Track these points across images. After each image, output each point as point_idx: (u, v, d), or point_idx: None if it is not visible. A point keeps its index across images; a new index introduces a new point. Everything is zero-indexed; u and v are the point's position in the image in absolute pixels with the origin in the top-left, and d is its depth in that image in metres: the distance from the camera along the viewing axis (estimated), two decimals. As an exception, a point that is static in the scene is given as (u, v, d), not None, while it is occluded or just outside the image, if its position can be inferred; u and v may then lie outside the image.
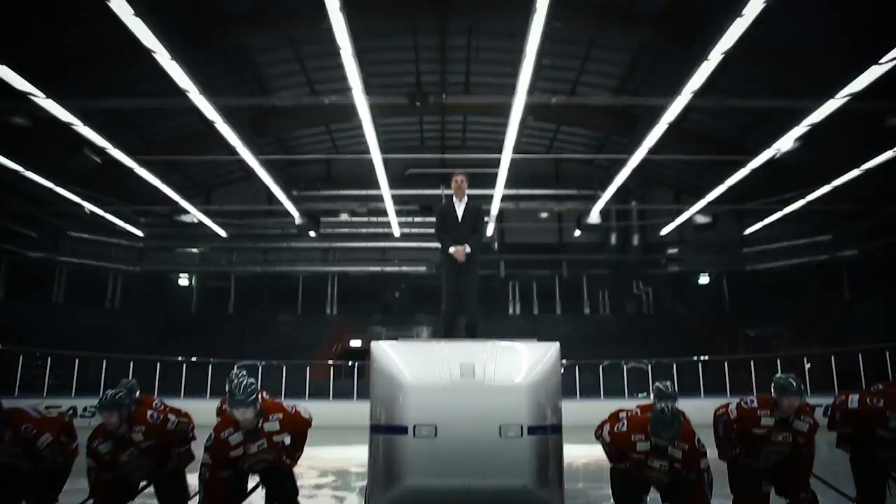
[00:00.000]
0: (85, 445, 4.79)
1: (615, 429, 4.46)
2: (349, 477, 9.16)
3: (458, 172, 6.15)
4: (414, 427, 4.38)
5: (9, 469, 4.77)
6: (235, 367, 6.21)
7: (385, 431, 4.51)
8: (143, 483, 4.81)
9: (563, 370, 18.52)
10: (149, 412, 4.70)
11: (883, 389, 4.77)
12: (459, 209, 5.98)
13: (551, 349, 4.79)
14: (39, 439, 4.63)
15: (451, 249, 5.85)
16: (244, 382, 4.29)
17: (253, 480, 4.70)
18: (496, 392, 4.49)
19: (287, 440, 4.40)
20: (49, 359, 18.86)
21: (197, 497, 4.71)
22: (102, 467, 4.49)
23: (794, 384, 4.41)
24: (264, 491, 4.62)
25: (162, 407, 5.28)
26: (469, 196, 6.11)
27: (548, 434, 4.49)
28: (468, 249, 5.86)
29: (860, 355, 18.19)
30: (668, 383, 5.46)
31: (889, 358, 17.49)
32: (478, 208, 6.11)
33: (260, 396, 4.40)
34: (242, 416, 4.24)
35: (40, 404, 17.41)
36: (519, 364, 4.64)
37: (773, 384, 4.51)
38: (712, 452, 4.74)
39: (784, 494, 4.61)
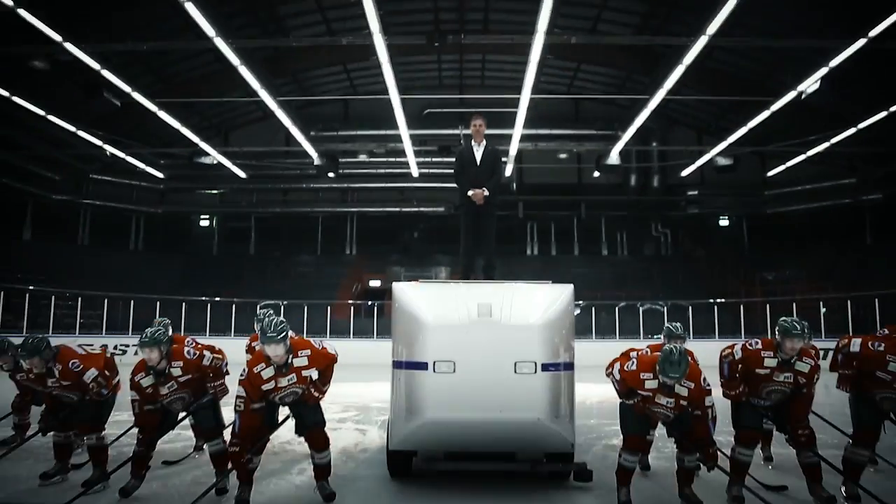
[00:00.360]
0: (126, 381, 5.12)
1: (625, 367, 4.65)
2: (370, 411, 9.56)
3: (476, 116, 6.18)
4: (434, 363, 4.63)
5: (59, 401, 5.15)
6: (259, 307, 6.48)
7: (407, 367, 4.77)
8: (181, 414, 5.14)
9: (579, 311, 18.77)
10: (186, 349, 4.99)
11: (887, 334, 4.89)
12: (478, 153, 6.05)
13: (565, 291, 4.97)
14: (86, 374, 4.97)
15: (470, 193, 5.96)
16: (275, 321, 4.53)
17: (283, 413, 4.98)
18: (512, 331, 4.70)
19: (315, 374, 4.66)
20: (80, 299, 19.43)
21: (231, 426, 5.04)
22: (145, 400, 4.81)
23: (798, 327, 4.55)
24: (294, 422, 4.92)
25: (194, 344, 5.59)
26: (487, 139, 6.16)
27: (560, 371, 4.72)
28: (486, 193, 5.96)
29: (876, 300, 18.23)
30: (679, 324, 5.62)
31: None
32: (496, 152, 6.18)
33: (289, 334, 4.64)
34: (274, 352, 4.47)
35: (73, 342, 18.25)
36: (534, 305, 4.82)
37: (777, 327, 4.65)
38: (718, 391, 4.93)
39: (784, 431, 4.81)
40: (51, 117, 17.43)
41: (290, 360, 4.57)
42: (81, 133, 19.23)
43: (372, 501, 4.73)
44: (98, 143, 20.24)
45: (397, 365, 4.88)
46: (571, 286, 5.00)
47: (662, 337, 5.57)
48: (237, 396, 4.56)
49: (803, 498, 4.75)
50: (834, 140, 19.80)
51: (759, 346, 4.72)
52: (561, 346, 4.77)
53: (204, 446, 5.52)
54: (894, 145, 20.40)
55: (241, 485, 4.57)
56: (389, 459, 5.21)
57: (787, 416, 4.73)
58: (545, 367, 4.60)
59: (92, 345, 16.63)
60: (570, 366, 4.82)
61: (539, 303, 4.84)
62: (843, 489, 4.78)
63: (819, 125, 19.65)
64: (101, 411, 5.23)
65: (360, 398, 10.95)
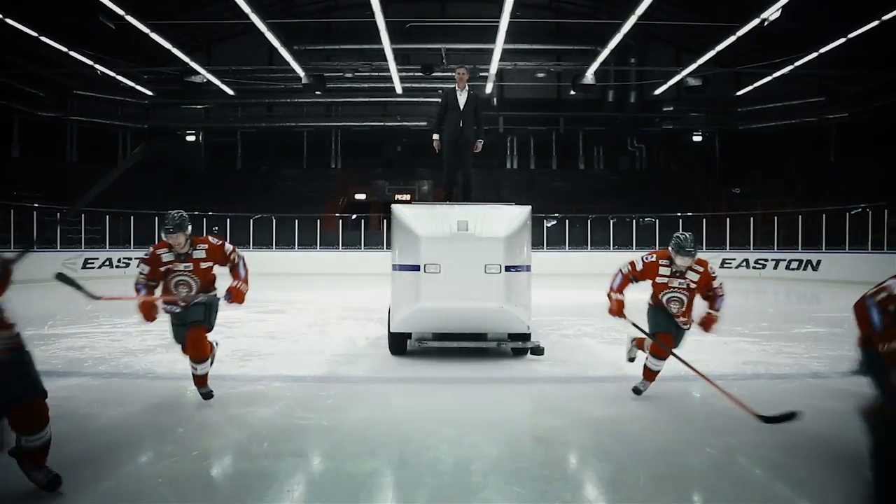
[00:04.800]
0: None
1: (645, 259, 5.08)
2: (366, 311, 11.02)
3: (459, 66, 7.32)
4: (424, 265, 6.10)
5: None
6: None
7: (404, 269, 6.24)
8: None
9: (555, 222, 20.30)
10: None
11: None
12: (461, 98, 7.24)
13: (525, 210, 6.39)
14: None
15: (478, 149, 7.34)
16: (174, 213, 4.76)
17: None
18: (483, 241, 6.14)
19: (209, 265, 4.91)
20: (83, 216, 20.42)
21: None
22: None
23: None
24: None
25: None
26: (469, 85, 7.34)
27: (520, 271, 6.21)
28: (482, 142, 7.33)
29: (824, 216, 19.89)
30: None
31: (848, 218, 19.14)
32: (477, 98, 7.37)
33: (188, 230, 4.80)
34: (174, 240, 4.75)
35: (80, 257, 19.38)
36: (500, 221, 6.25)
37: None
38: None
39: None
40: (44, 38, 17.78)
41: (190, 252, 4.86)
42: (73, 53, 19.53)
43: (378, 370, 6.24)
44: (89, 62, 20.57)
45: (396, 267, 6.34)
46: (529, 207, 6.40)
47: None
48: (139, 273, 4.86)
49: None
50: (798, 63, 20.75)
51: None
52: (520, 253, 6.25)
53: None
54: (860, 67, 21.48)
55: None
56: (390, 340, 6.71)
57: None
58: (507, 269, 6.09)
59: (97, 258, 17.82)
60: (527, 268, 6.30)
61: (503, 220, 6.27)
62: None
63: (789, 47, 20.53)
64: None
65: (356, 301, 12.52)
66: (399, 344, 6.67)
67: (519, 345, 6.53)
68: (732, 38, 18.59)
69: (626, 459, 3.70)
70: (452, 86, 7.36)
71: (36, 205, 19.60)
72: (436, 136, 7.40)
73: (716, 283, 5.03)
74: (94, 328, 8.75)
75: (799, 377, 5.84)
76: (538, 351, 6.49)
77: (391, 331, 6.50)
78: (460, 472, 3.47)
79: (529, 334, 6.48)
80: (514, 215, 6.30)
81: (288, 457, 3.73)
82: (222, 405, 4.79)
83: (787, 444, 3.90)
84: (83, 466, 3.48)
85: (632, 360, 5.55)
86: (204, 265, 4.92)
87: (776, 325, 9.93)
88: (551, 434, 4.28)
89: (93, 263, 20.10)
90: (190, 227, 4.83)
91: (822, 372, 6.07)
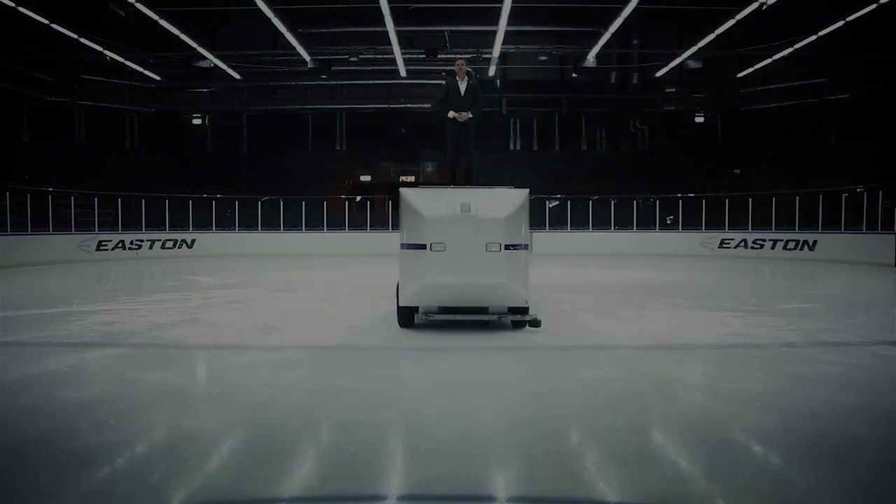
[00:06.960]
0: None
1: None
2: (374, 289, 11.53)
3: (458, 58, 7.77)
4: (430, 244, 6.62)
5: None
6: None
7: (411, 248, 6.75)
8: None
9: (557, 203, 20.94)
10: None
11: None
12: (462, 86, 7.70)
13: (523, 193, 6.88)
14: None
15: (451, 114, 7.69)
16: None
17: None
18: (485, 222, 6.64)
19: None
20: (96, 199, 20.95)
21: None
22: None
23: None
24: None
25: None
26: (469, 74, 7.79)
27: (518, 250, 6.72)
28: (470, 115, 7.71)
29: (820, 196, 20.28)
30: None
31: (844, 200, 19.51)
32: (477, 85, 7.82)
33: None
34: None
35: (94, 239, 19.94)
36: (500, 204, 6.74)
37: None
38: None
39: None
40: (55, 26, 18.17)
41: None
42: (83, 40, 19.89)
43: (388, 340, 6.78)
44: (98, 48, 20.94)
45: (404, 246, 6.86)
46: (527, 190, 6.90)
47: None
48: None
49: None
50: (799, 45, 20.96)
51: None
52: (519, 233, 6.75)
53: None
54: (861, 49, 21.70)
55: None
56: (399, 313, 7.23)
57: None
58: (507, 247, 6.61)
59: (110, 240, 18.45)
60: (525, 246, 6.81)
61: (504, 202, 6.77)
62: None
63: (790, 29, 20.73)
64: None
65: (364, 280, 13.05)
66: (407, 317, 7.18)
67: (518, 318, 7.04)
68: (732, 21, 18.83)
69: (609, 411, 4.23)
70: (454, 69, 7.81)
71: (50, 189, 20.12)
72: (452, 113, 7.69)
73: None
74: (119, 305, 9.31)
75: (773, 346, 6.33)
76: (536, 323, 7.00)
77: (400, 305, 7.03)
78: (462, 422, 3.99)
79: (528, 308, 6.99)
80: (514, 197, 6.79)
81: (312, 410, 4.27)
82: (251, 370, 5.33)
83: (749, 398, 4.43)
84: (137, 419, 4.02)
85: None
86: None
87: (764, 301, 10.43)
88: (542, 391, 4.81)
89: (106, 245, 20.70)
90: None
91: (796, 342, 6.57)
